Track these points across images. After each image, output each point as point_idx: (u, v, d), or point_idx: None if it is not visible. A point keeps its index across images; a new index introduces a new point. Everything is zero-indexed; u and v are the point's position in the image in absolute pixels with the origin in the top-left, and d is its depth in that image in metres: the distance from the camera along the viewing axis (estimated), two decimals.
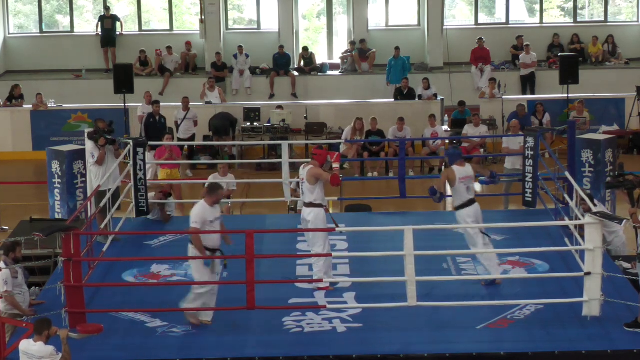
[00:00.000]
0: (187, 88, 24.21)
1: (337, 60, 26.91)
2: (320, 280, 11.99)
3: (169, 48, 26.16)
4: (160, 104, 22.49)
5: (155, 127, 21.23)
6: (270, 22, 27.27)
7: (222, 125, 22.63)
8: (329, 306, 11.44)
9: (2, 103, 24.10)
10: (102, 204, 13.40)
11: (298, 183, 16.20)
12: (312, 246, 12.26)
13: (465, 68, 26.21)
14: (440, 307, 11.30)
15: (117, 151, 14.34)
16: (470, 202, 12.43)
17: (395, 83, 24.84)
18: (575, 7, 27.63)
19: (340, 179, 12.31)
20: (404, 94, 23.80)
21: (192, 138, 22.06)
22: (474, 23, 27.61)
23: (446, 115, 23.55)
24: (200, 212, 11.17)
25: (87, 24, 27.92)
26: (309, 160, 12.67)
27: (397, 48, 25.13)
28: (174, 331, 11.00)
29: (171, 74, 26.00)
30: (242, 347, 10.67)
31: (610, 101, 23.70)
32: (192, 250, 11.18)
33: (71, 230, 10.90)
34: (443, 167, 21.57)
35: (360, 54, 26.21)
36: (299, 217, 15.56)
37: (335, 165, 12.34)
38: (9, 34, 27.41)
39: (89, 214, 14.09)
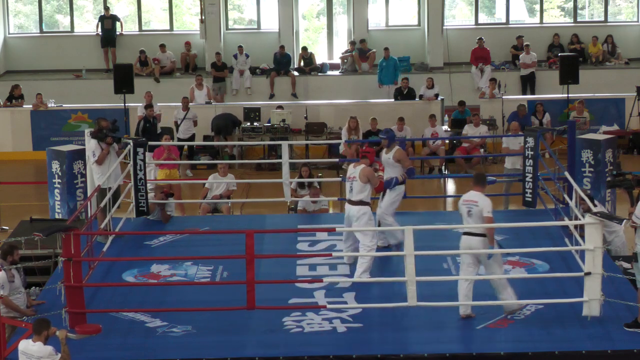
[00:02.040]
0: (187, 88, 24.19)
1: (337, 60, 26.90)
2: (321, 281, 12.00)
3: (162, 46, 26.16)
4: (159, 104, 22.52)
5: (152, 130, 21.21)
6: (270, 22, 27.27)
7: (225, 125, 22.65)
8: (329, 306, 11.44)
9: (2, 103, 24.10)
10: (102, 204, 13.39)
11: (298, 183, 16.28)
12: (362, 241, 12.41)
13: (465, 68, 26.21)
14: (440, 307, 11.29)
15: (120, 150, 14.35)
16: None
17: (387, 84, 24.84)
18: (575, 7, 27.64)
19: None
20: (404, 94, 23.80)
21: (192, 138, 22.07)
22: (474, 23, 27.61)
23: (446, 115, 23.54)
24: (489, 200, 11.39)
25: (87, 24, 27.93)
26: (358, 160, 12.92)
27: (386, 49, 25.11)
28: (174, 331, 11.00)
29: (170, 73, 26.08)
30: (242, 347, 10.66)
31: (610, 101, 23.69)
32: (482, 243, 11.17)
33: (71, 230, 10.90)
34: (444, 167, 21.66)
35: (360, 54, 26.21)
36: (299, 217, 15.67)
37: (380, 174, 13.15)
38: (9, 34, 27.41)
39: (89, 214, 14.09)
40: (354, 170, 12.60)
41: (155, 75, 25.82)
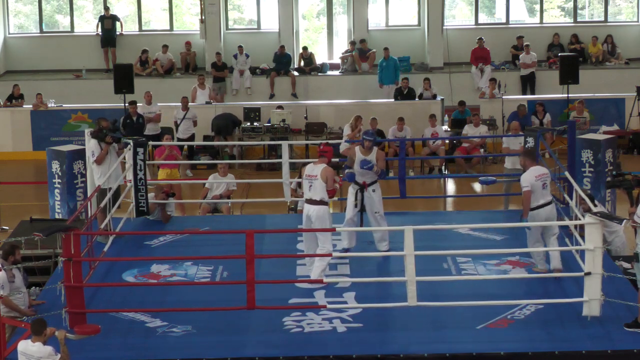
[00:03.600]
0: (187, 88, 24.21)
1: (337, 60, 26.92)
2: (321, 281, 12.00)
3: (164, 47, 26.18)
4: (159, 104, 22.53)
5: (132, 127, 21.21)
6: (270, 22, 27.28)
7: (225, 125, 22.65)
8: (329, 306, 11.44)
9: (2, 103, 24.10)
10: (102, 204, 13.39)
11: (298, 183, 16.25)
12: (321, 243, 12.33)
13: (465, 68, 26.21)
14: (440, 307, 11.29)
15: (121, 150, 14.34)
16: None
17: (387, 84, 24.85)
18: (575, 7, 27.64)
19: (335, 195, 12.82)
20: (404, 94, 23.81)
21: (192, 138, 22.07)
22: (474, 23, 27.62)
23: (446, 115, 23.55)
24: (528, 175, 12.31)
25: (87, 24, 27.94)
26: (315, 160, 12.73)
27: (386, 49, 25.11)
28: (174, 331, 11.00)
29: (170, 72, 26.10)
30: (242, 347, 10.66)
31: (610, 101, 23.70)
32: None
33: (71, 230, 10.89)
34: (444, 167, 21.66)
35: (360, 54, 26.22)
36: (299, 217, 15.60)
37: (337, 186, 12.65)
38: (9, 34, 27.42)
39: (89, 214, 14.09)
40: (314, 169, 12.46)
41: (160, 72, 25.85)
